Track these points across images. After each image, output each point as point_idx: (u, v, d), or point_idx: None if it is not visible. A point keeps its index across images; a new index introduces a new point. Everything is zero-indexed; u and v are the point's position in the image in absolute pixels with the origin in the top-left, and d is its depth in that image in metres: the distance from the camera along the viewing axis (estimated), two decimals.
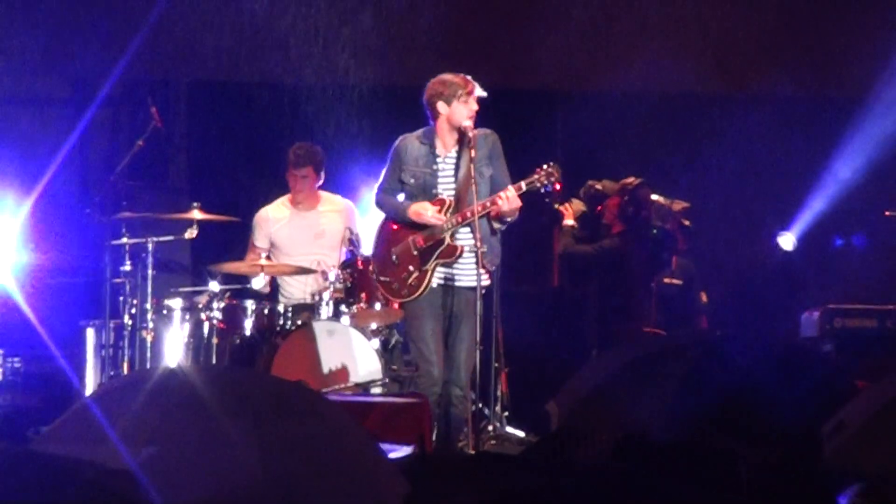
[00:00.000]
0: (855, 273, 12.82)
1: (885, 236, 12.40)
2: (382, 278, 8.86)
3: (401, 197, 8.81)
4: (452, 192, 8.72)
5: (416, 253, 8.75)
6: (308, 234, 10.60)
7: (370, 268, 9.17)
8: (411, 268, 8.76)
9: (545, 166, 8.66)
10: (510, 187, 8.59)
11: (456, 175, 8.72)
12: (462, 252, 8.67)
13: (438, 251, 8.70)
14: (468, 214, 8.58)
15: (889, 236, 12.34)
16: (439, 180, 8.76)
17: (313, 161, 10.62)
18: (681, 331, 4.99)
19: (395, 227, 8.86)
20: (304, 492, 4.26)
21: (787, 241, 13.00)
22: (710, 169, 12.89)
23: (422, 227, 8.74)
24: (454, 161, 8.76)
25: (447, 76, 8.75)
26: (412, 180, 8.77)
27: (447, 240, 8.68)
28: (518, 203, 8.61)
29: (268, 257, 10.51)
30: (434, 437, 8.61)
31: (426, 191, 8.76)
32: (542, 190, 8.70)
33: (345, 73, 12.75)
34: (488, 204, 8.58)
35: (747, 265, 13.17)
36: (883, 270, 12.68)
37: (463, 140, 8.70)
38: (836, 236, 12.87)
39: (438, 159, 8.76)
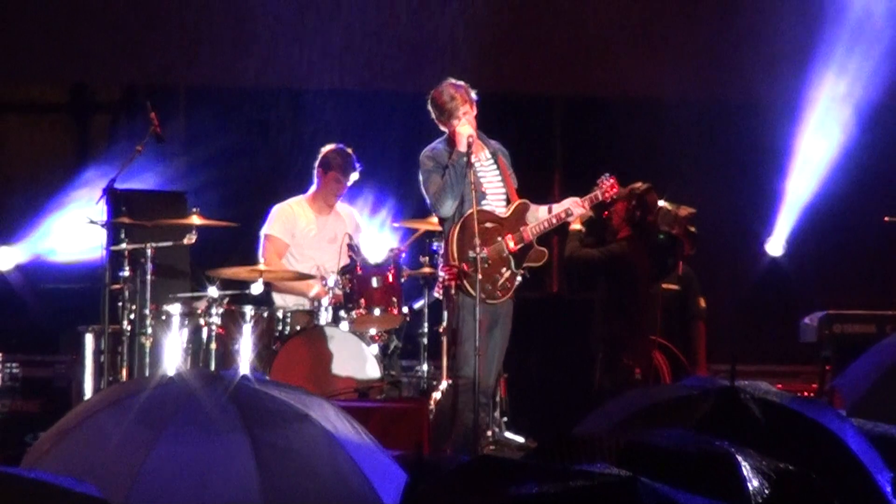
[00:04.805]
0: (853, 278, 12.83)
1: (884, 241, 12.40)
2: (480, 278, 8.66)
3: (452, 203, 8.73)
4: (501, 190, 8.82)
5: (506, 255, 8.79)
6: (326, 236, 10.49)
7: (465, 267, 8.71)
8: (504, 269, 8.78)
9: (605, 180, 9.04)
10: (580, 201, 8.92)
11: (498, 172, 8.84)
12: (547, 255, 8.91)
13: (528, 254, 8.79)
14: (545, 225, 8.82)
15: (888, 241, 12.34)
16: (482, 179, 8.80)
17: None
18: (692, 380, 4.85)
19: (478, 224, 8.72)
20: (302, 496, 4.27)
21: (774, 246, 12.99)
22: (707, 175, 12.91)
23: (511, 226, 8.77)
24: (491, 161, 8.85)
25: (444, 96, 8.72)
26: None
27: (535, 244, 8.81)
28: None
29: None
30: (450, 442, 8.58)
31: (469, 192, 8.75)
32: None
33: (344, 79, 12.75)
34: (564, 216, 8.89)
35: (742, 270, 13.18)
36: (882, 276, 12.68)
37: (484, 141, 8.86)
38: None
39: (477, 163, 8.80)
